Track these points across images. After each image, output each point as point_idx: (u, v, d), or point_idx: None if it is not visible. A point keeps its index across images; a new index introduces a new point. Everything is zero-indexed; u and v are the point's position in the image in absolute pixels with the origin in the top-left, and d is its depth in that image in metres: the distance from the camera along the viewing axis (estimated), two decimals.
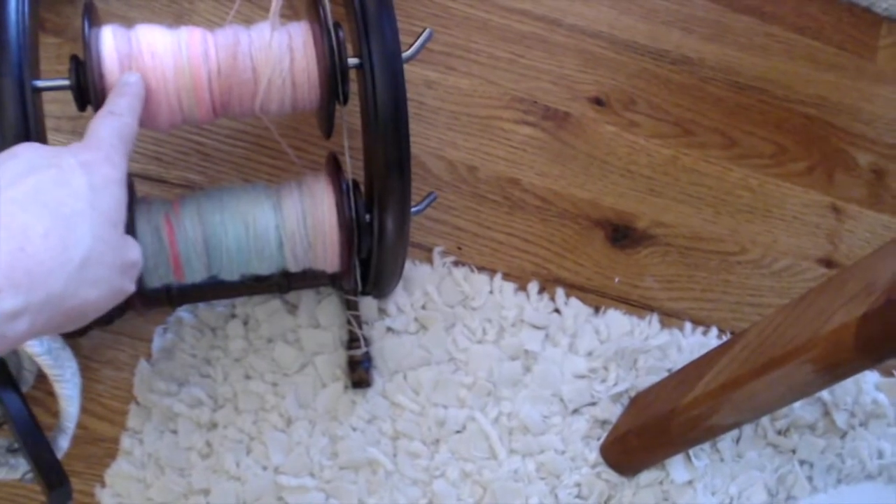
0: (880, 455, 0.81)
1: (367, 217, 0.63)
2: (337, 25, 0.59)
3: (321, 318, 0.74)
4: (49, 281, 0.42)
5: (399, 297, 0.76)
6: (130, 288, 0.49)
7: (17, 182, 0.44)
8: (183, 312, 0.73)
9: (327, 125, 0.62)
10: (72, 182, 0.45)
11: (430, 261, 0.78)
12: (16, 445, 0.62)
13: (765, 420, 0.79)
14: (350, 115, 0.65)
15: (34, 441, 0.57)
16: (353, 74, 0.60)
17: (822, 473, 0.79)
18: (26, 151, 0.46)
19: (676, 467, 0.76)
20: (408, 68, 0.61)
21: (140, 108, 0.55)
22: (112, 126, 0.51)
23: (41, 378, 0.68)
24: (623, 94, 0.85)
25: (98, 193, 0.46)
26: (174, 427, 0.71)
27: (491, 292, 0.78)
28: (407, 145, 0.59)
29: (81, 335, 0.70)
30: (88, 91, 0.56)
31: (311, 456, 0.72)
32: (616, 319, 0.79)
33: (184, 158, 0.76)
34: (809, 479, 0.79)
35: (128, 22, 0.60)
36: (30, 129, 0.53)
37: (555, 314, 0.79)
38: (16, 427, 0.57)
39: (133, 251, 0.50)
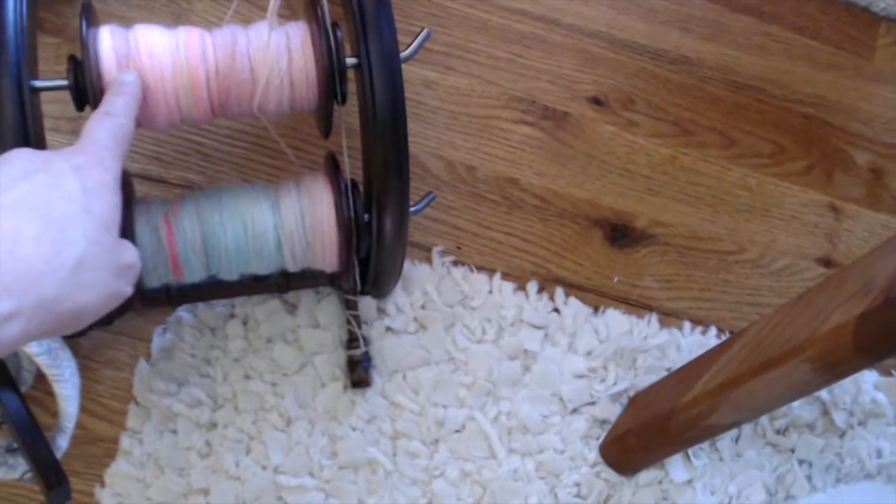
0: (879, 454, 0.81)
1: (366, 217, 0.63)
2: (335, 25, 0.59)
3: (320, 317, 0.74)
4: (41, 284, 0.42)
5: (398, 296, 0.76)
6: (127, 291, 0.49)
7: (8, 187, 0.44)
8: (182, 312, 0.73)
9: (326, 125, 0.62)
10: (64, 186, 0.45)
11: (429, 260, 0.78)
12: (15, 445, 0.63)
13: (764, 419, 0.79)
14: (348, 114, 0.65)
15: (33, 441, 0.57)
16: (351, 74, 0.60)
17: (821, 473, 0.79)
18: (19, 157, 0.46)
19: (675, 467, 0.76)
20: (406, 68, 0.61)
21: (137, 107, 0.55)
22: (107, 128, 0.51)
23: (40, 378, 0.68)
24: (622, 93, 0.85)
25: (91, 197, 0.46)
26: (174, 427, 0.71)
27: (490, 292, 0.78)
28: (405, 145, 0.59)
29: (81, 335, 0.70)
30: (87, 91, 0.56)
31: (311, 456, 0.72)
32: (615, 319, 0.80)
33: (183, 158, 0.76)
34: (808, 478, 0.79)
35: (126, 22, 0.60)
36: (28, 129, 0.53)
37: (554, 314, 0.79)
38: (15, 427, 0.57)
39: (129, 254, 0.49)
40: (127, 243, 0.50)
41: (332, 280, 0.71)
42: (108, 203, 0.48)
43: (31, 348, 0.63)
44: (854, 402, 0.81)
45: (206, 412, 0.72)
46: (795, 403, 0.80)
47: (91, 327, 0.60)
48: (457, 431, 0.75)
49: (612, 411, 0.77)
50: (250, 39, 0.59)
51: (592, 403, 0.77)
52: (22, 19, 0.53)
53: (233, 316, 0.74)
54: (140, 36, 0.57)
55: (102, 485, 0.71)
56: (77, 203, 0.45)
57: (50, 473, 0.57)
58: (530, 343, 0.77)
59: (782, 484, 0.79)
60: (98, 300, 0.46)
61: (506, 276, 0.79)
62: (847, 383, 0.81)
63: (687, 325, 0.82)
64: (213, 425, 0.72)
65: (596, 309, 0.80)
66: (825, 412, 0.80)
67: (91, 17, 0.57)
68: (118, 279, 0.48)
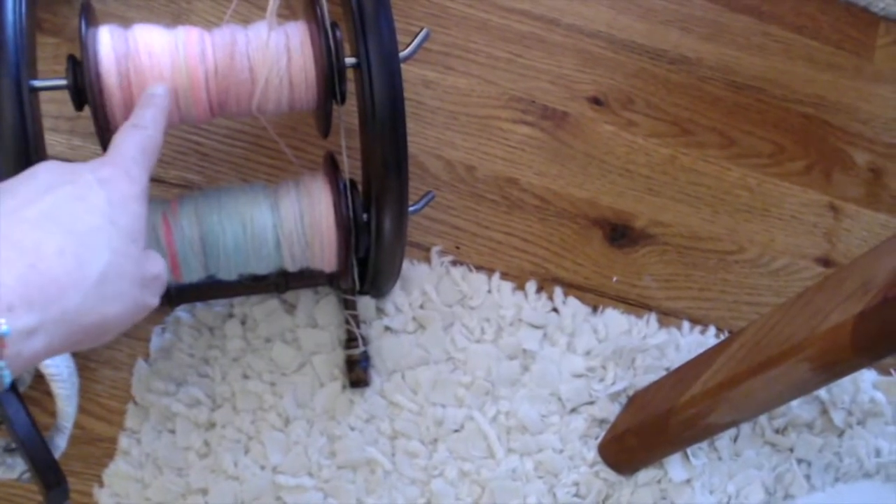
0: (878, 453, 0.81)
1: (365, 216, 0.63)
2: (334, 25, 0.59)
3: (319, 317, 0.74)
4: (64, 297, 0.41)
5: (397, 296, 0.76)
6: (154, 302, 0.49)
7: (33, 201, 0.43)
8: (181, 312, 0.73)
9: (325, 125, 0.62)
10: (89, 199, 0.45)
11: (428, 260, 0.78)
12: (13, 445, 0.62)
13: (762, 419, 0.79)
14: (347, 114, 0.65)
15: (31, 440, 0.57)
16: (350, 74, 0.60)
17: (820, 472, 0.79)
18: (44, 170, 0.46)
19: (674, 466, 0.76)
20: (406, 68, 0.61)
21: (165, 120, 0.55)
22: (134, 140, 0.51)
23: (39, 377, 0.68)
24: (621, 93, 0.85)
25: (117, 209, 0.46)
26: (172, 427, 0.71)
27: (489, 291, 0.78)
28: (404, 145, 0.59)
29: None
30: (85, 91, 0.56)
31: (310, 455, 0.72)
32: (614, 318, 0.80)
33: (182, 158, 0.76)
34: (807, 477, 0.79)
35: (125, 22, 0.60)
36: (27, 128, 0.53)
37: (553, 313, 0.79)
38: (13, 426, 0.57)
39: (155, 265, 0.49)
40: (153, 254, 0.50)
41: (331, 280, 0.71)
42: (134, 215, 0.47)
43: None
44: (853, 401, 0.81)
45: (204, 412, 0.72)
46: (794, 403, 0.80)
47: None
48: (455, 431, 0.75)
49: (611, 411, 0.77)
50: (249, 39, 0.59)
51: (591, 403, 0.77)
52: (21, 19, 0.53)
53: (231, 315, 0.74)
54: (139, 36, 0.57)
55: (101, 485, 0.71)
56: (102, 215, 0.45)
57: (48, 473, 0.56)
58: (529, 343, 0.77)
59: (781, 483, 0.79)
60: (124, 312, 0.45)
61: (505, 275, 0.79)
62: (846, 382, 0.81)
63: (686, 324, 0.82)
64: (212, 425, 0.72)
65: (595, 308, 0.80)
66: (824, 411, 0.80)
67: (90, 17, 0.57)
68: (143, 290, 0.48)
